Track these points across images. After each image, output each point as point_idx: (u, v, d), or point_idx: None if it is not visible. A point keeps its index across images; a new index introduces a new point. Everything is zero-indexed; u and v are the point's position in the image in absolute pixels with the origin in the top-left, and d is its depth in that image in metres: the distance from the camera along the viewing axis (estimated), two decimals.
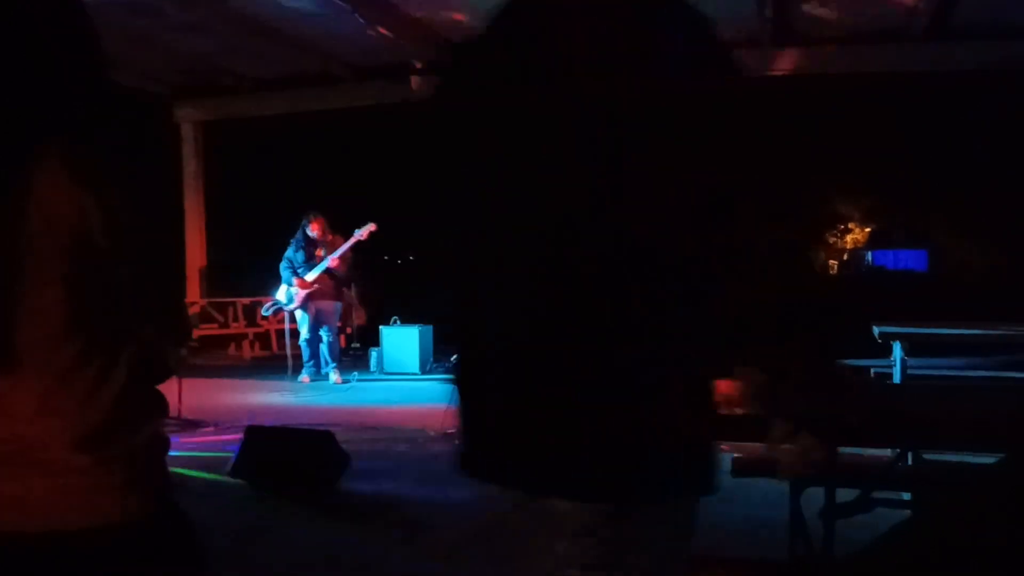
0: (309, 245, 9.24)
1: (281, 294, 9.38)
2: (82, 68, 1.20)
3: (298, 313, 9.33)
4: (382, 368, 10.28)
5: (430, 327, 10.59)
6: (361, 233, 9.13)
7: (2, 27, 1.13)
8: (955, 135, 19.28)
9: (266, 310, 9.76)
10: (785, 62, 10.46)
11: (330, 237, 9.30)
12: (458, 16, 9.45)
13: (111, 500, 1.12)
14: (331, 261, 9.09)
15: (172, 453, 4.60)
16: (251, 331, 12.70)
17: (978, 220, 20.90)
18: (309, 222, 9.22)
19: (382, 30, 9.54)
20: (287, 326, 9.72)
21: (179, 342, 1.26)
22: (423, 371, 10.15)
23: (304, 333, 9.39)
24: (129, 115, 1.21)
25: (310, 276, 9.09)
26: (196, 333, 12.01)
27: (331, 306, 9.40)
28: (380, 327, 10.62)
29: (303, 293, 9.12)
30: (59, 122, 1.14)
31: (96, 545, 1.10)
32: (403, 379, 9.79)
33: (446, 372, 9.82)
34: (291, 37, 10.15)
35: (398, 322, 10.63)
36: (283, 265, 9.29)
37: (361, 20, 9.03)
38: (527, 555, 1.23)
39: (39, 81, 1.14)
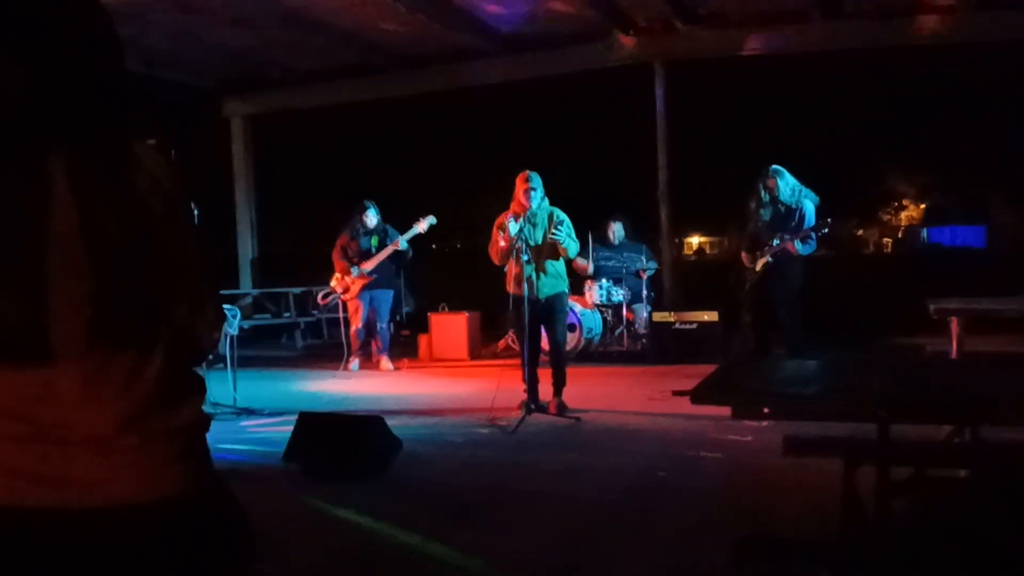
0: (365, 234, 9.34)
1: (335, 283, 9.47)
2: (100, 63, 1.21)
3: (353, 302, 9.44)
4: (431, 355, 10.36)
5: (478, 313, 10.65)
6: (420, 225, 9.18)
7: (13, 25, 1.13)
8: (1013, 108, 18.73)
9: (322, 297, 9.85)
10: (831, 37, 10.27)
11: (383, 226, 9.40)
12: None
13: (156, 475, 1.16)
14: (395, 244, 9.18)
15: (228, 442, 4.66)
16: (303, 320, 12.88)
17: None
18: (365, 211, 9.33)
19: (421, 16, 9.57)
20: (340, 314, 9.80)
21: (212, 326, 1.29)
22: (472, 357, 10.21)
23: (359, 321, 9.49)
24: (151, 107, 1.24)
25: (369, 264, 9.19)
26: (249, 324, 12.23)
27: (387, 295, 9.50)
28: (428, 314, 10.71)
29: (360, 283, 9.23)
30: (79, 118, 1.16)
31: (143, 519, 1.14)
32: (452, 366, 9.86)
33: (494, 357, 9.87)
34: (336, 28, 10.23)
35: (446, 309, 10.70)
36: (339, 254, 9.41)
37: (402, 8, 9.07)
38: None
39: (57, 77, 1.15)
